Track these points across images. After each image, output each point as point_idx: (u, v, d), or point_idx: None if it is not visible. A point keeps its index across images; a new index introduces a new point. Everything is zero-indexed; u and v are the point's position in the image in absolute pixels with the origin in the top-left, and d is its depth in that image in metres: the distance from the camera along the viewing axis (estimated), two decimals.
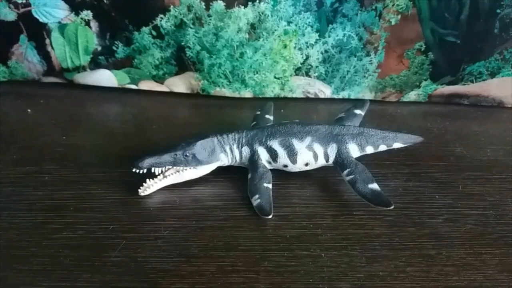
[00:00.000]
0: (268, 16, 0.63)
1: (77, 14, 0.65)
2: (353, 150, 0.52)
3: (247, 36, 0.64)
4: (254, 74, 0.67)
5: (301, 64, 0.66)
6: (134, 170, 0.48)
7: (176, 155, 0.48)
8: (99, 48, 0.68)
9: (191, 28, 0.64)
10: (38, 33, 0.67)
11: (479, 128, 0.63)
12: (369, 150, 0.53)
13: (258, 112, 0.60)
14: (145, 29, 0.65)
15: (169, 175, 0.50)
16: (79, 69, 0.70)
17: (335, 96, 0.70)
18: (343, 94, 0.69)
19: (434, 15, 0.62)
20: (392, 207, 0.45)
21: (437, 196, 0.50)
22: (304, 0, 0.62)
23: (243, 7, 0.63)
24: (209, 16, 0.63)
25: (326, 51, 0.65)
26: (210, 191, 0.51)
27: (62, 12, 0.65)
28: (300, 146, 0.50)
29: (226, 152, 0.51)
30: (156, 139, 0.60)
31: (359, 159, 0.51)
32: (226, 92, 0.70)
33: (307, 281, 0.40)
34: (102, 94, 0.71)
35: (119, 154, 0.56)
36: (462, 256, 0.42)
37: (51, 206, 0.48)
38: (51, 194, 0.50)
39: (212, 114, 0.67)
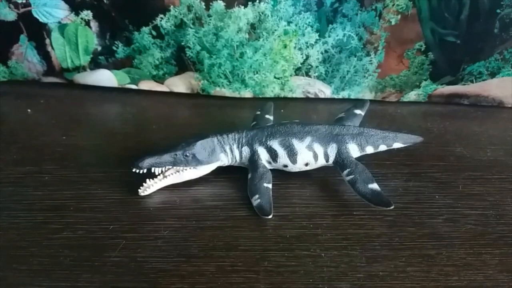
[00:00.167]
0: (268, 16, 0.63)
1: (77, 14, 0.65)
2: (353, 150, 0.52)
3: (247, 36, 0.64)
4: (254, 74, 0.67)
5: (301, 64, 0.66)
6: (134, 170, 0.48)
7: (176, 155, 0.48)
8: (99, 48, 0.68)
9: (191, 28, 0.64)
10: (38, 33, 0.67)
11: (479, 128, 0.63)
12: (369, 150, 0.53)
13: (258, 112, 0.60)
14: (145, 29, 0.65)
15: (169, 175, 0.50)
16: (79, 69, 0.70)
17: (335, 96, 0.70)
18: (343, 94, 0.69)
19: (434, 15, 0.62)
20: (392, 207, 0.45)
21: (437, 196, 0.50)
22: (304, 0, 0.62)
23: (243, 7, 0.63)
24: (209, 16, 0.63)
25: (326, 51, 0.65)
26: (210, 191, 0.51)
27: (62, 12, 0.65)
28: (300, 146, 0.50)
29: (226, 152, 0.51)
30: (156, 139, 0.60)
31: (359, 159, 0.51)
32: (226, 92, 0.70)
33: (307, 281, 0.40)
34: (102, 94, 0.71)
35: (119, 154, 0.56)
36: (462, 256, 0.42)
37: (51, 206, 0.48)
38: (51, 194, 0.50)
39: (212, 114, 0.67)
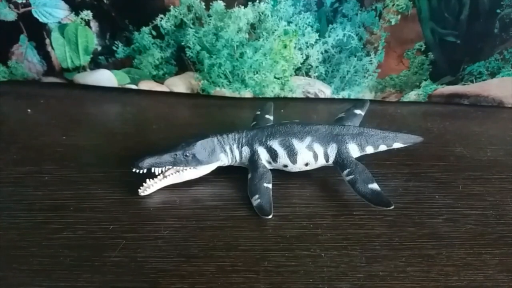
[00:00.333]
0: (268, 16, 0.63)
1: (77, 14, 0.65)
2: (353, 150, 0.52)
3: (247, 36, 0.64)
4: (254, 74, 0.67)
5: (301, 64, 0.66)
6: (134, 170, 0.48)
7: (176, 155, 0.48)
8: (99, 48, 0.68)
9: (191, 28, 0.64)
10: (38, 33, 0.67)
11: (479, 128, 0.63)
12: (369, 150, 0.53)
13: (258, 112, 0.60)
14: (145, 29, 0.65)
15: (169, 175, 0.50)
16: (79, 69, 0.70)
17: (335, 96, 0.70)
18: (343, 94, 0.69)
19: (434, 15, 0.62)
20: (392, 207, 0.45)
21: (437, 196, 0.50)
22: (304, 0, 0.62)
23: (243, 7, 0.63)
24: (209, 16, 0.63)
25: (326, 51, 0.65)
26: (210, 191, 0.51)
27: (62, 12, 0.65)
28: (300, 146, 0.50)
29: (226, 152, 0.51)
30: (156, 139, 0.60)
31: (359, 159, 0.51)
32: (226, 92, 0.70)
33: (307, 281, 0.40)
34: (102, 94, 0.71)
35: (119, 154, 0.56)
36: (462, 256, 0.42)
37: (51, 206, 0.48)
38: (51, 194, 0.50)
39: (212, 114, 0.67)
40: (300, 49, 0.65)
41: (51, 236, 0.44)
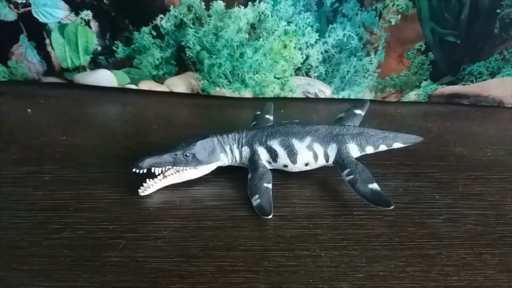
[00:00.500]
0: (268, 16, 0.63)
1: (77, 14, 0.65)
2: (353, 150, 0.52)
3: (247, 36, 0.64)
4: (254, 74, 0.67)
5: (301, 64, 0.66)
6: (134, 170, 0.48)
7: (176, 155, 0.48)
8: (99, 48, 0.68)
9: (191, 28, 0.64)
10: (38, 33, 0.67)
11: (479, 128, 0.63)
12: (369, 150, 0.53)
13: (258, 112, 0.60)
14: (145, 29, 0.65)
15: (169, 175, 0.50)
16: (79, 69, 0.70)
17: (335, 96, 0.70)
18: (343, 94, 0.69)
19: (434, 15, 0.62)
20: (392, 207, 0.45)
21: (437, 196, 0.50)
22: (304, 0, 0.62)
23: (243, 7, 0.63)
24: (209, 16, 0.63)
25: (326, 51, 0.65)
26: (210, 191, 0.51)
27: (62, 12, 0.65)
28: (300, 146, 0.50)
29: (226, 152, 0.51)
30: (156, 139, 0.60)
31: (359, 159, 0.51)
32: (226, 92, 0.70)
33: (307, 281, 0.40)
34: (102, 94, 0.71)
35: (119, 154, 0.56)
36: (462, 256, 0.42)
37: (51, 206, 0.48)
38: (51, 194, 0.50)
39: (212, 114, 0.67)
40: (300, 49, 0.65)
41: (51, 236, 0.44)
